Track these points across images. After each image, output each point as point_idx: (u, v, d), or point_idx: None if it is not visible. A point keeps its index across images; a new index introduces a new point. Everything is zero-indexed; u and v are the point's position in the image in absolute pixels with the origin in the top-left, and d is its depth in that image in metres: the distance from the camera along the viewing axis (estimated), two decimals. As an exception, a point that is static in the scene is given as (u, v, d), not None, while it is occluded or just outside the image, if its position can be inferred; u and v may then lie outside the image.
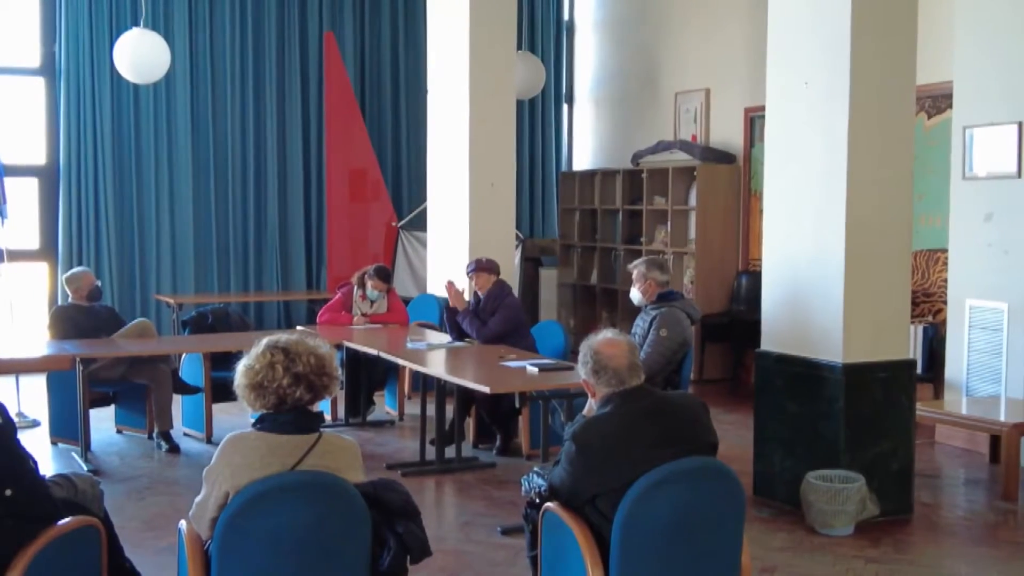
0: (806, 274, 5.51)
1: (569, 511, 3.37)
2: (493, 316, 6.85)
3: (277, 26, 10.39)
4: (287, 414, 3.15)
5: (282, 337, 3.22)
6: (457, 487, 6.17)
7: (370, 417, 7.74)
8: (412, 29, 10.90)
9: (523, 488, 3.72)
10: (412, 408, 7.79)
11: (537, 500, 3.60)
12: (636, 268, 5.98)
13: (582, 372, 3.47)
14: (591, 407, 3.48)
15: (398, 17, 10.91)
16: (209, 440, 7.01)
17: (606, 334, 3.52)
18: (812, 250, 5.47)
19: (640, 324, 5.89)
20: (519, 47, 9.34)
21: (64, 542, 3.33)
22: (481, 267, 7.03)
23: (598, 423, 3.35)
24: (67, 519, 3.38)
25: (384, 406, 8.07)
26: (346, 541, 3.13)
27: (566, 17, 11.68)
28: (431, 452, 6.53)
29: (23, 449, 3.37)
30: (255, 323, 9.46)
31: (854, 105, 5.26)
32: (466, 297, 7.12)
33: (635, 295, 6.00)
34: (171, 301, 9.63)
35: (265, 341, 3.21)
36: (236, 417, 7.48)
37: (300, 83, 10.52)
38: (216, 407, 7.14)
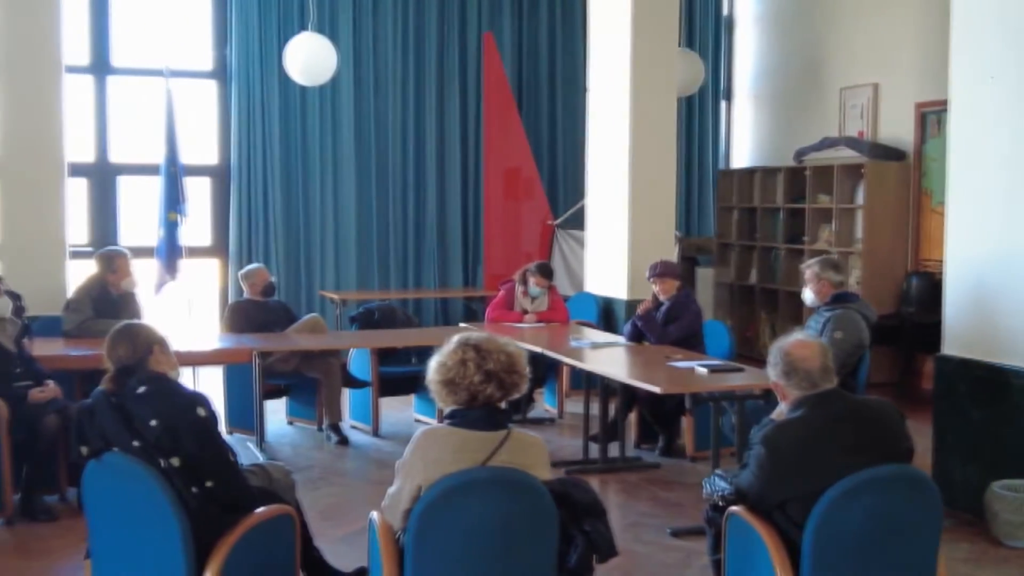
0: (993, 276, 5.28)
1: (757, 516, 3.32)
2: (676, 321, 6.75)
3: (437, 27, 10.54)
4: (478, 410, 3.19)
5: (473, 335, 3.27)
6: (622, 487, 6.15)
7: (530, 414, 7.78)
8: (570, 28, 10.92)
9: (705, 490, 3.68)
10: (571, 406, 7.80)
11: (720, 503, 3.55)
12: (810, 268, 5.81)
13: (772, 374, 3.41)
14: (781, 410, 3.41)
15: (556, 17, 10.94)
16: (376, 433, 7.16)
17: (797, 335, 3.45)
18: (1000, 251, 5.24)
19: (813, 326, 5.72)
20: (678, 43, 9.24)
21: (262, 530, 3.46)
22: (666, 272, 6.83)
23: (790, 427, 3.29)
24: (264, 508, 3.51)
25: (543, 404, 8.10)
26: (534, 537, 3.16)
27: (726, 12, 11.50)
28: (593, 451, 6.53)
29: (223, 440, 3.51)
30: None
31: (1046, 99, 5.03)
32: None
33: (808, 296, 5.85)
34: (335, 297, 9.88)
35: (457, 338, 3.26)
36: (401, 412, 7.63)
37: (459, 83, 10.65)
38: (383, 401, 7.29)
